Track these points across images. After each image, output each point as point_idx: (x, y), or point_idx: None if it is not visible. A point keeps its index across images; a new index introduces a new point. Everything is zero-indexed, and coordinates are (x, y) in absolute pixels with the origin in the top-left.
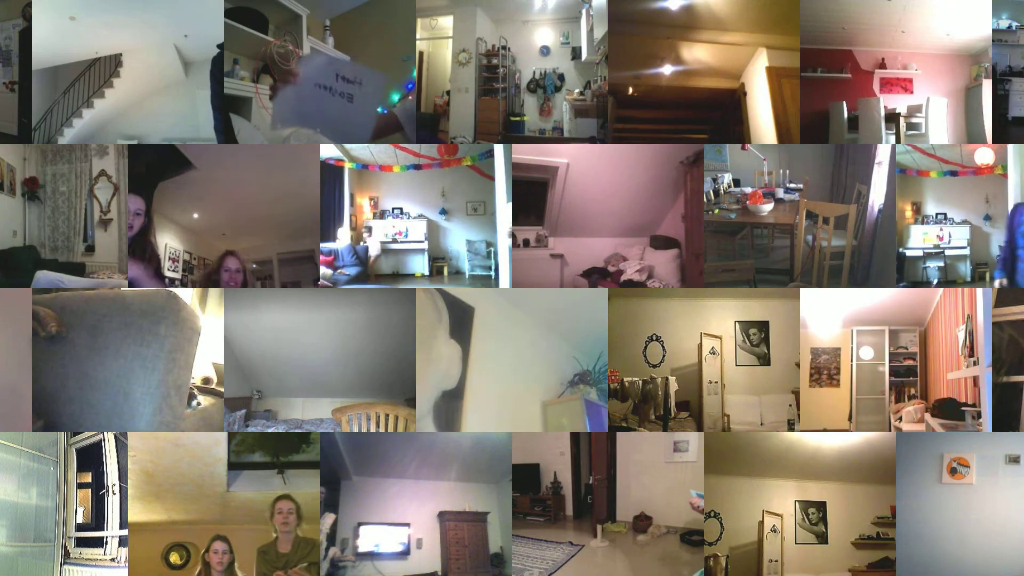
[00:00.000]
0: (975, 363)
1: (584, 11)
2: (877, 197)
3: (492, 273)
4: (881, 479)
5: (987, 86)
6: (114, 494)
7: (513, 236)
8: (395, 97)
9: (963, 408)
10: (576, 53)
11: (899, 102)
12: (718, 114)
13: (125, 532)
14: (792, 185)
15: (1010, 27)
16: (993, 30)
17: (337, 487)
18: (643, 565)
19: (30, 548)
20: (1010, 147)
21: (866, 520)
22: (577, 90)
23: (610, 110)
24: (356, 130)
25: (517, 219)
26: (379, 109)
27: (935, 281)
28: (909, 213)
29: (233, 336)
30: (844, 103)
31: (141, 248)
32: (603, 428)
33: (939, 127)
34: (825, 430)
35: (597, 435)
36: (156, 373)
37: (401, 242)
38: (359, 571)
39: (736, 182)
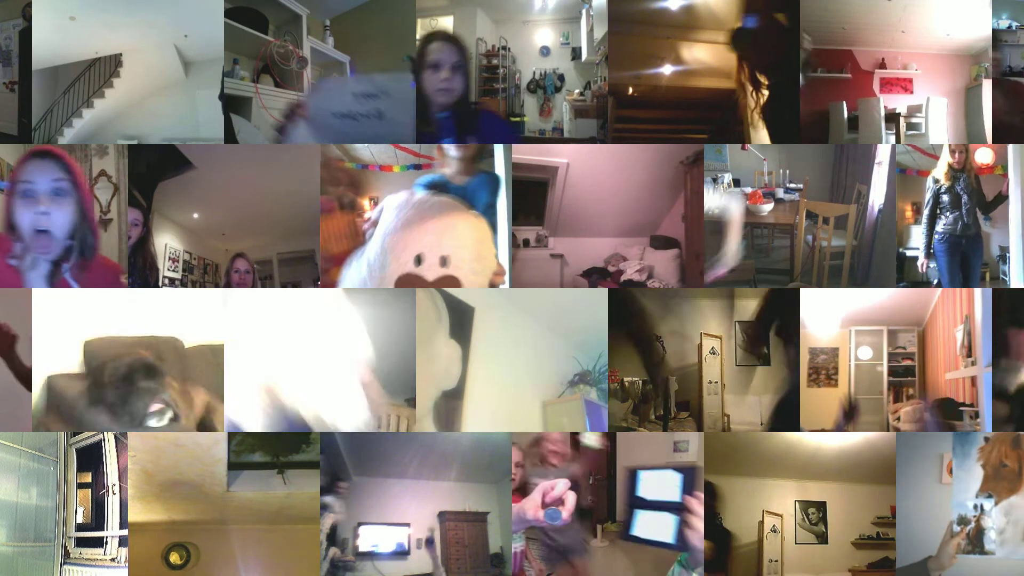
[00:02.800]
0: (973, 363)
1: (584, 11)
2: (877, 197)
3: None
4: (881, 479)
5: (987, 86)
6: (114, 494)
7: (513, 236)
8: None
9: (961, 408)
10: (576, 53)
11: (899, 102)
12: (718, 114)
13: (125, 532)
14: (792, 185)
15: (1010, 27)
16: (993, 30)
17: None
18: (643, 565)
19: (30, 548)
20: (1010, 147)
21: (866, 520)
22: (577, 90)
23: (610, 110)
24: (398, 139)
25: (517, 219)
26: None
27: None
28: (909, 213)
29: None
30: (844, 103)
31: (138, 258)
32: (603, 428)
33: (939, 127)
34: (824, 430)
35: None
36: None
37: None
38: (359, 571)
39: (736, 182)
